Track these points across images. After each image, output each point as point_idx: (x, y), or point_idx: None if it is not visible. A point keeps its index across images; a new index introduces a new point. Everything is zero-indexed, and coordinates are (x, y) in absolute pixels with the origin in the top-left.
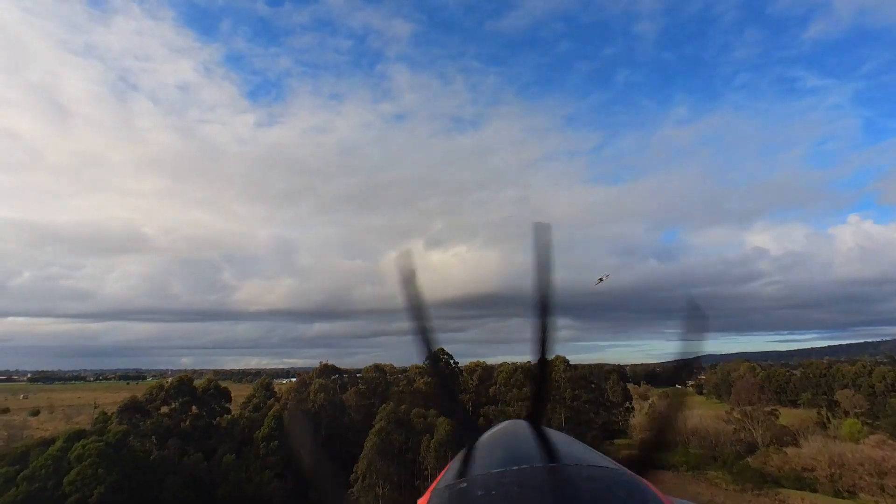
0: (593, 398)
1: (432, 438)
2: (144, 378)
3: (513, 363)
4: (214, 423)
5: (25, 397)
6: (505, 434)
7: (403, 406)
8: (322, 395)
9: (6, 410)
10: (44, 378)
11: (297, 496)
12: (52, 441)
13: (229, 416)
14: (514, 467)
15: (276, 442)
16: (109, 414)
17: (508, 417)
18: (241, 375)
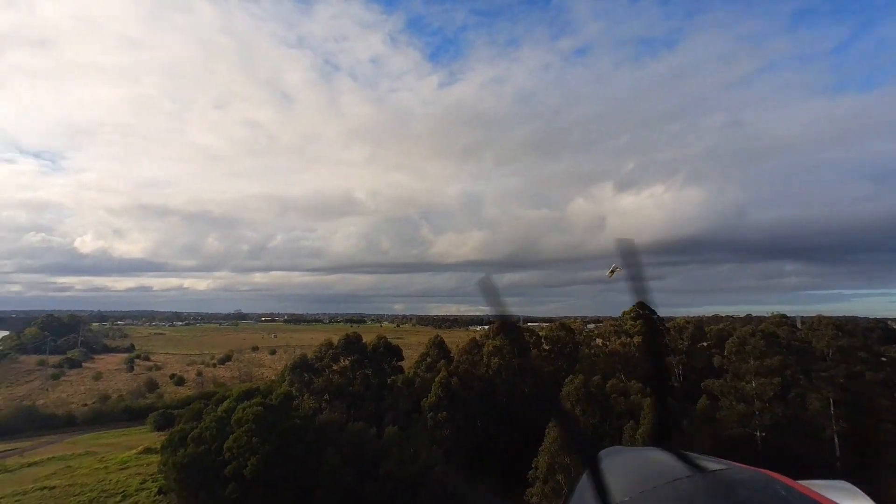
0: (882, 377)
1: (638, 427)
2: (364, 322)
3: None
4: (388, 382)
5: (275, 336)
6: (625, 459)
7: (597, 377)
8: (497, 358)
9: (255, 348)
10: (294, 320)
11: (468, 482)
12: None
13: (402, 376)
14: (663, 482)
15: (445, 413)
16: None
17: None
18: (440, 322)
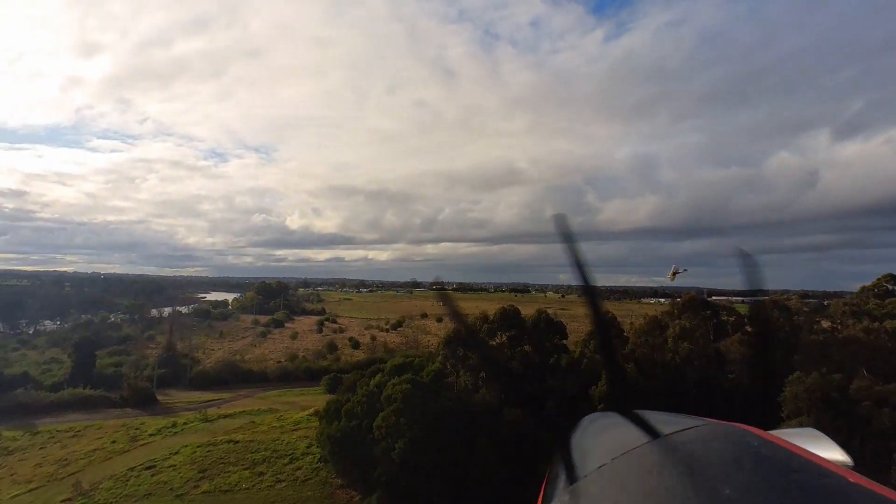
0: None
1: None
2: (528, 291)
3: None
4: (551, 362)
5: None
6: (597, 428)
7: (838, 376)
8: (686, 343)
9: (424, 315)
10: (462, 289)
11: None
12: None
13: (566, 356)
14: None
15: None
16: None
17: None
18: (608, 293)
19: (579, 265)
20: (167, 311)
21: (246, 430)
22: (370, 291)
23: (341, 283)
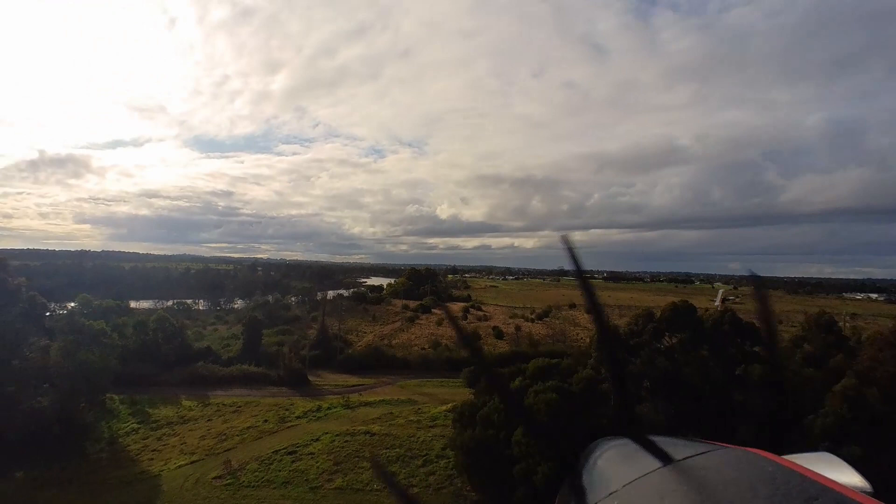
0: None
1: None
2: (692, 282)
3: None
4: (737, 373)
5: None
6: (608, 453)
7: None
8: None
9: (572, 306)
10: (612, 278)
11: None
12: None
13: (759, 367)
14: (637, 477)
15: (859, 448)
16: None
17: None
18: (793, 286)
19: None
20: (330, 293)
21: (384, 422)
22: (516, 279)
23: (488, 270)
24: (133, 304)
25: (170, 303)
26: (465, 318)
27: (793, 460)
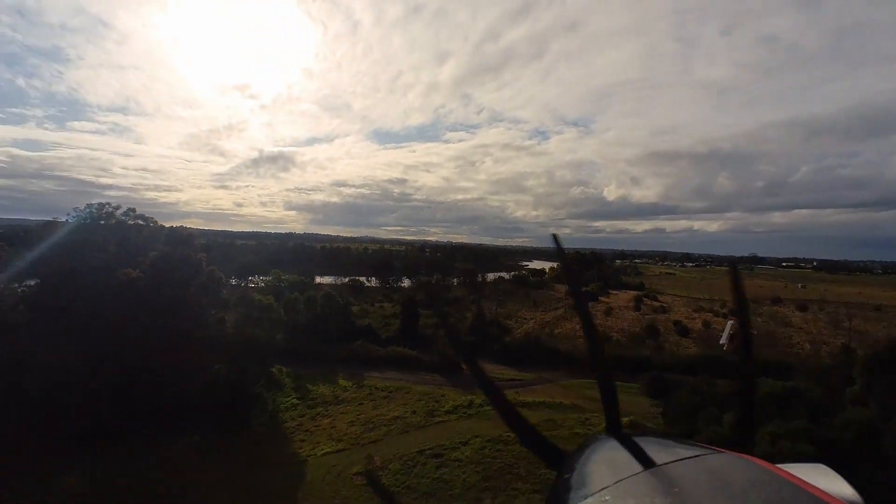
0: None
1: None
2: None
3: None
4: None
5: (802, 287)
6: (595, 453)
7: None
8: None
9: (778, 300)
10: (827, 267)
11: None
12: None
13: None
14: (621, 479)
15: None
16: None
17: None
18: None
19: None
20: (491, 276)
21: (543, 431)
22: (696, 266)
23: (662, 256)
24: (318, 280)
25: (346, 279)
26: (639, 308)
27: (787, 470)
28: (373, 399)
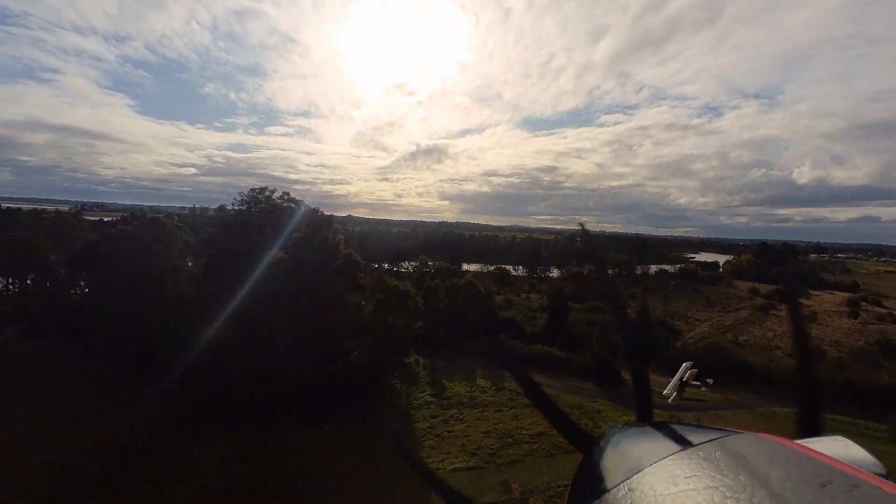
0: None
1: None
2: None
3: None
4: None
5: None
6: (624, 440)
7: None
8: None
9: None
10: None
11: None
12: None
13: None
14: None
15: None
16: None
17: None
18: None
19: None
20: (653, 268)
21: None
22: None
23: (876, 251)
24: (465, 267)
25: (492, 267)
26: (856, 315)
27: (807, 444)
28: (513, 406)
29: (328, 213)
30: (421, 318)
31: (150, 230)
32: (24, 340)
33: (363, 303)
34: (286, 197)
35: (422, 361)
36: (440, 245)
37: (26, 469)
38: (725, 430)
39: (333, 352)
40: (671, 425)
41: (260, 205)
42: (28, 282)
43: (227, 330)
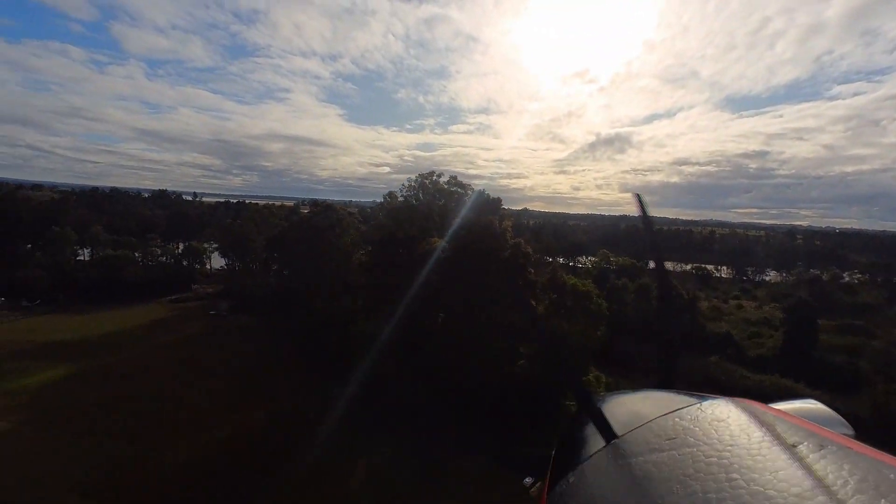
0: None
1: None
2: None
3: None
4: None
5: None
6: (633, 396)
7: None
8: None
9: None
10: None
11: None
12: None
13: None
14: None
15: None
16: None
17: None
18: None
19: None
20: None
21: None
22: None
23: None
24: (653, 265)
25: (688, 266)
26: None
27: (781, 408)
28: None
29: (495, 197)
30: (604, 324)
31: (324, 217)
32: (233, 316)
33: (533, 303)
34: (454, 181)
35: (604, 380)
36: (622, 239)
37: (199, 447)
38: (704, 395)
39: (495, 360)
40: (655, 391)
41: (427, 190)
42: (238, 264)
43: (384, 323)
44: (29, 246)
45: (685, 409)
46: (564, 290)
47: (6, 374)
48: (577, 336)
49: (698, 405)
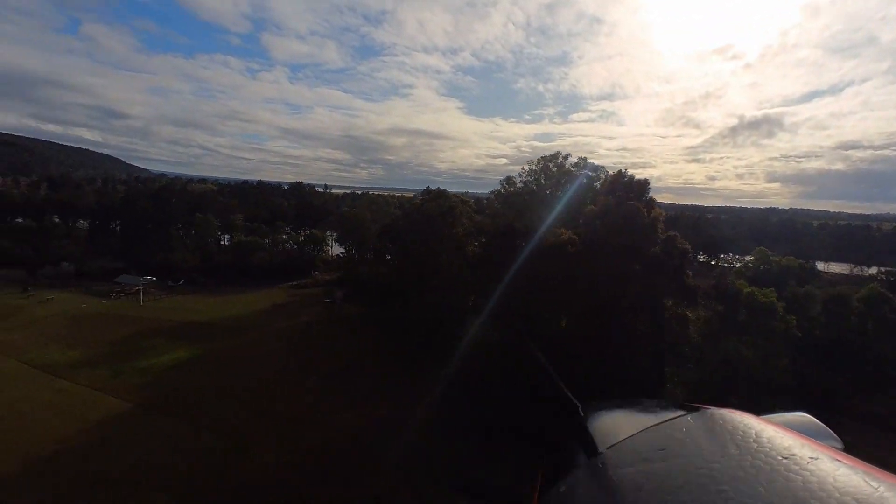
0: None
1: None
2: None
3: None
4: None
5: None
6: (610, 411)
7: None
8: None
9: None
10: None
11: None
12: None
13: None
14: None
15: None
16: None
17: None
18: None
19: None
20: None
21: None
22: None
23: None
24: (820, 266)
25: (872, 270)
26: None
27: (771, 420)
28: None
29: (641, 178)
30: (790, 350)
31: (436, 204)
32: (346, 304)
33: (689, 315)
34: (583, 162)
35: None
36: (774, 235)
37: (286, 451)
38: (695, 406)
39: (635, 384)
40: (644, 401)
41: (550, 174)
42: (354, 253)
43: (490, 327)
44: (180, 231)
45: (676, 420)
46: (738, 301)
47: (143, 352)
48: (758, 364)
49: (688, 416)
